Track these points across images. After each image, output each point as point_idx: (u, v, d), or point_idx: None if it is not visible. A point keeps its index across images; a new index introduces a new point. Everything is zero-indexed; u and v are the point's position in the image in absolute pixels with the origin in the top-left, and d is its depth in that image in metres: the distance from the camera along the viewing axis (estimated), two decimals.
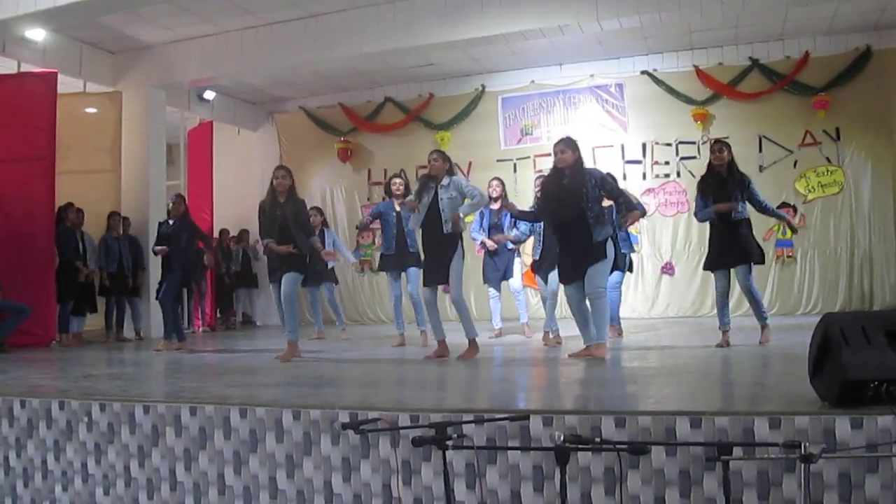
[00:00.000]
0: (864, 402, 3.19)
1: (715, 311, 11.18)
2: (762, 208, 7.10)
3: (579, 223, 6.20)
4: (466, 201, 6.90)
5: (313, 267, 9.01)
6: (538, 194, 7.43)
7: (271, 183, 7.46)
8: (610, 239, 6.35)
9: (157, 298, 9.14)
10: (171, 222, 9.04)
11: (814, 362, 3.50)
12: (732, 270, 6.97)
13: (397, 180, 8.62)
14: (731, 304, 7.20)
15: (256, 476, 4.05)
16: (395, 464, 3.71)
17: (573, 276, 6.33)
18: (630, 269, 8.79)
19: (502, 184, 8.90)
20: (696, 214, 7.32)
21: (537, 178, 8.35)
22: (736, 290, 7.28)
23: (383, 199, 9.17)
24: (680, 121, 12.09)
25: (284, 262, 7.31)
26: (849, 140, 11.39)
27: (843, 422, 3.15)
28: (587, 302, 6.33)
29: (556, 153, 6.40)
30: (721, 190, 6.92)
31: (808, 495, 2.61)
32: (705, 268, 7.30)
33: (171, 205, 9.15)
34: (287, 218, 7.31)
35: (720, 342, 6.96)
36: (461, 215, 6.76)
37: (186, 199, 10.10)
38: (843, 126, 11.39)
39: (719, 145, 7.11)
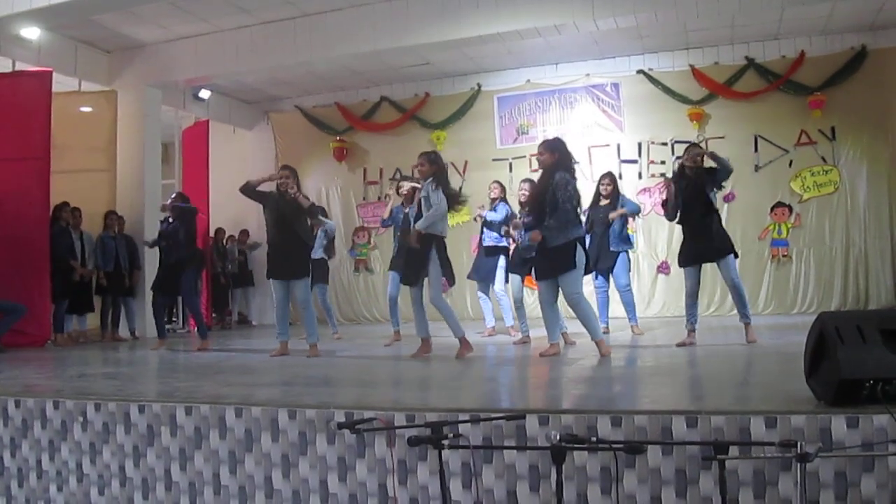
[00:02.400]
0: (860, 401, 3.19)
1: (710, 310, 11.46)
2: (725, 174, 7.13)
3: (543, 226, 6.38)
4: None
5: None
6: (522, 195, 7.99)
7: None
8: (578, 245, 6.40)
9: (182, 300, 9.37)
10: (170, 220, 9.08)
11: (810, 361, 3.50)
12: (714, 266, 7.10)
13: (404, 183, 8.70)
14: (722, 303, 7.47)
15: (252, 476, 4.04)
16: (391, 463, 3.71)
17: (541, 275, 6.57)
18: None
19: (501, 186, 9.04)
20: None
21: (522, 181, 8.44)
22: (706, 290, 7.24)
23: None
24: (676, 120, 12.10)
25: (288, 265, 7.45)
26: (844, 140, 11.42)
27: (839, 421, 3.15)
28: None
29: (538, 154, 6.62)
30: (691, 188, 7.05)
31: (804, 494, 2.61)
32: (680, 264, 7.25)
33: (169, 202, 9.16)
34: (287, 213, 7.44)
35: (683, 341, 7.02)
36: (420, 230, 6.81)
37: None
38: (839, 126, 11.42)
39: (693, 148, 7.30)
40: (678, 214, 7.15)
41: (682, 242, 7.24)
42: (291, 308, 7.94)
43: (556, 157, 6.44)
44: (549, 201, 6.31)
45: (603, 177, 8.78)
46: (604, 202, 8.62)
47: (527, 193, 7.92)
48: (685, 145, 11.81)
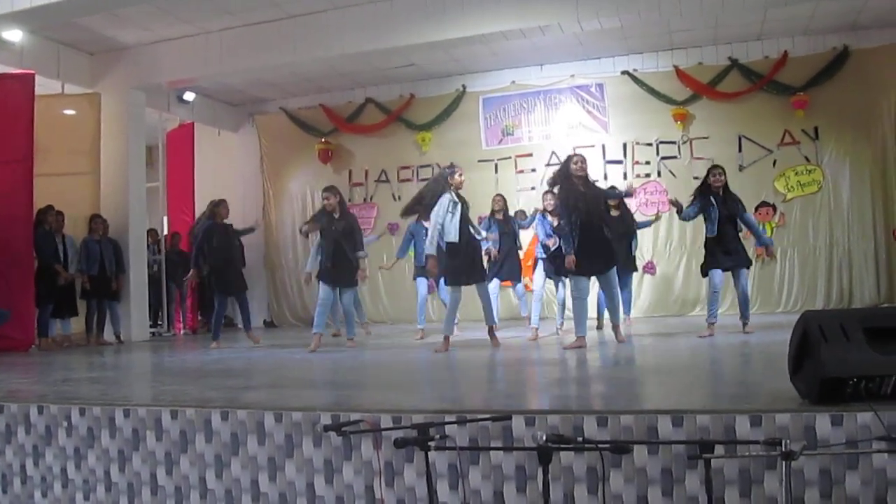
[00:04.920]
0: (844, 399, 3.21)
1: (696, 309, 11.53)
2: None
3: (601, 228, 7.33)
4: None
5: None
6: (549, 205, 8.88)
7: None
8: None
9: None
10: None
11: (794, 360, 3.52)
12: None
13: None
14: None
15: (238, 479, 4.03)
16: (377, 465, 3.70)
17: (593, 272, 7.40)
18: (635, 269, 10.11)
19: (503, 199, 9.87)
20: (682, 216, 8.13)
21: (545, 193, 9.14)
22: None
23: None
24: (660, 121, 12.14)
25: (340, 275, 8.51)
26: (827, 139, 11.49)
27: (824, 419, 3.17)
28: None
29: (575, 162, 7.35)
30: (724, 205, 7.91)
31: (789, 492, 2.63)
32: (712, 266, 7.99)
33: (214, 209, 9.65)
34: (340, 234, 8.48)
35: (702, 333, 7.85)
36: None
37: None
38: (822, 125, 11.49)
39: (719, 169, 8.11)
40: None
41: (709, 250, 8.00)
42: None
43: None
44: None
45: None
46: (615, 212, 9.19)
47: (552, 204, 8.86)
48: (669, 145, 12.06)
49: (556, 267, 8.69)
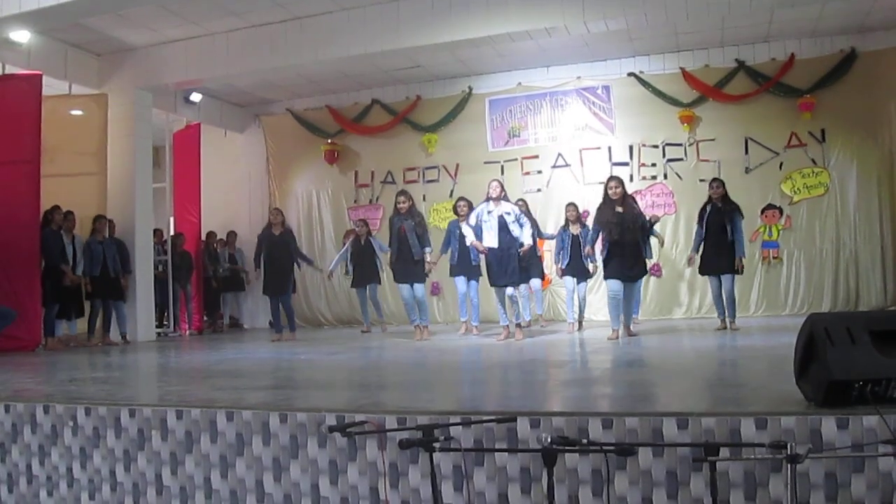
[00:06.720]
0: (850, 402, 3.20)
1: (702, 312, 11.55)
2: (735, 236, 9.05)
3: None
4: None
5: (361, 271, 11.44)
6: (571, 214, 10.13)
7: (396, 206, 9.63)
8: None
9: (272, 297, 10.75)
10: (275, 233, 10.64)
11: (800, 363, 3.51)
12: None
13: (462, 202, 10.08)
14: (712, 307, 9.71)
15: (243, 479, 4.03)
16: (382, 466, 3.70)
17: (627, 277, 8.23)
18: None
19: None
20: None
21: (568, 204, 10.35)
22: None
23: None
24: (666, 123, 12.13)
25: (408, 272, 9.44)
26: (834, 142, 11.46)
27: (829, 422, 3.16)
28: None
29: (610, 187, 8.29)
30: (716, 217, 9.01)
31: (794, 495, 2.62)
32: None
33: (271, 217, 10.91)
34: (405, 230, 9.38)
35: (719, 327, 9.17)
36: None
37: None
38: (829, 128, 11.46)
39: (717, 182, 9.27)
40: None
41: (704, 254, 9.18)
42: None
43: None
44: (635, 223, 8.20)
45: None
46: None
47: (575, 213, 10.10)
48: (675, 147, 12.05)
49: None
